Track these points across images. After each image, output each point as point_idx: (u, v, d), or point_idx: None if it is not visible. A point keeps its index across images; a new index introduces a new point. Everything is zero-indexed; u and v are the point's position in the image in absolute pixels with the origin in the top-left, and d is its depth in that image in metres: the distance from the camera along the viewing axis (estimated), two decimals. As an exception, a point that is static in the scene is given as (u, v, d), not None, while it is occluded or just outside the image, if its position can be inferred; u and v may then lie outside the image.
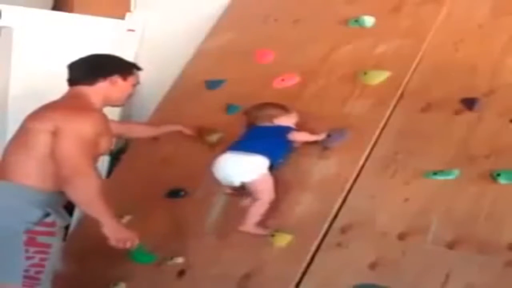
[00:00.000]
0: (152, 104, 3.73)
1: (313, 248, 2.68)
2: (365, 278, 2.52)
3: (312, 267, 2.64)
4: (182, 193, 3.14)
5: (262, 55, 3.49)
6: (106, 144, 2.67)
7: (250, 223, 2.81)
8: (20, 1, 3.54)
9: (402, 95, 3.02)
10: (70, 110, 2.58)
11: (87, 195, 2.49)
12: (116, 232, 2.53)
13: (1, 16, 3.42)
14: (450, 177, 2.65)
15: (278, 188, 2.94)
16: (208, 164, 3.11)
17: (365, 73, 3.13)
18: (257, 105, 3.04)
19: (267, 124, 2.96)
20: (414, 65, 3.09)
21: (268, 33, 3.62)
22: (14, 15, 3.48)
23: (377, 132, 2.92)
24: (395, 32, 3.26)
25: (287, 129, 2.95)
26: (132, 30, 3.97)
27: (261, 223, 2.80)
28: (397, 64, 3.12)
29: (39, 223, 2.52)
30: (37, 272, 2.51)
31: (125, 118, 3.82)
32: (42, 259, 2.52)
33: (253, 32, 3.66)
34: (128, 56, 3.23)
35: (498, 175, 2.55)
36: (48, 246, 2.54)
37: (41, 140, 2.54)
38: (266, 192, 2.83)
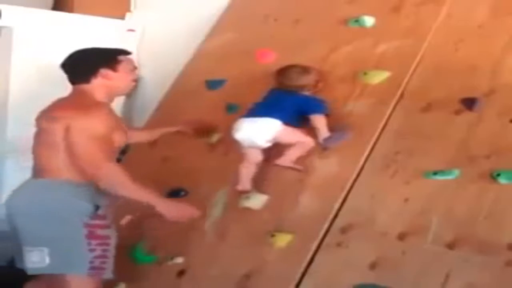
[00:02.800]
0: (152, 104, 3.73)
1: (313, 248, 2.68)
2: (365, 278, 2.52)
3: (312, 267, 2.64)
4: (182, 193, 3.14)
5: (262, 55, 3.49)
6: (119, 138, 2.73)
7: (287, 159, 2.91)
8: (20, 1, 3.54)
9: (402, 95, 3.02)
10: (78, 109, 2.62)
11: (120, 183, 2.58)
12: (169, 209, 2.63)
13: (1, 16, 3.42)
14: (450, 177, 2.65)
15: (278, 188, 2.94)
16: (208, 164, 3.13)
17: (365, 73, 3.13)
18: (296, 69, 3.08)
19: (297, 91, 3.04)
20: (414, 65, 3.09)
21: (268, 33, 3.62)
22: (14, 15, 3.48)
23: (377, 132, 2.92)
24: (395, 32, 3.26)
25: (313, 107, 3.00)
26: (132, 30, 3.97)
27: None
28: (397, 64, 3.12)
29: (93, 216, 2.60)
30: (102, 262, 2.63)
31: (126, 118, 3.82)
32: (104, 250, 2.63)
33: (253, 32, 3.66)
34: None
35: (498, 175, 2.55)
36: (107, 237, 2.65)
37: (59, 139, 2.59)
38: (296, 138, 2.93)
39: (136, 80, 2.86)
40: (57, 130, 2.60)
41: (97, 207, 2.63)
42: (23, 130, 3.28)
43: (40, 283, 2.78)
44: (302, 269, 2.64)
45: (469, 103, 2.83)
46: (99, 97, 2.71)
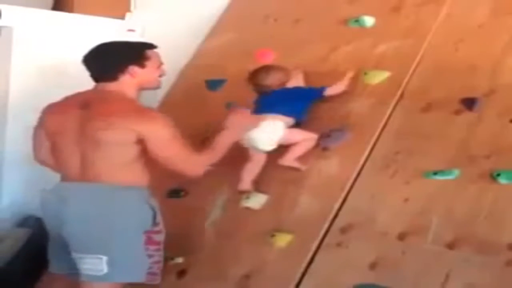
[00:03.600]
0: (152, 104, 3.72)
1: (313, 248, 2.68)
2: (365, 278, 2.52)
3: (312, 267, 2.64)
4: (182, 193, 3.14)
5: (262, 55, 3.49)
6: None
7: (289, 158, 2.93)
8: (20, 1, 3.53)
9: (402, 95, 3.02)
10: (141, 116, 2.54)
11: (209, 162, 2.66)
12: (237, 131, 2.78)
13: (1, 16, 3.42)
14: (450, 177, 2.65)
15: (278, 188, 2.94)
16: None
17: (365, 73, 3.13)
18: (261, 71, 3.11)
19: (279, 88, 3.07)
20: (414, 65, 3.09)
21: (268, 33, 3.63)
22: (14, 15, 3.47)
23: (377, 132, 2.92)
24: (395, 32, 3.26)
25: (314, 92, 3.07)
26: (132, 30, 3.96)
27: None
28: (397, 64, 3.12)
29: (153, 222, 2.59)
30: (158, 268, 2.66)
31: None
32: (160, 256, 2.65)
33: (253, 32, 3.67)
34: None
35: (498, 175, 2.55)
36: (161, 243, 2.66)
37: (125, 151, 2.52)
38: (300, 137, 2.95)
39: (162, 76, 2.75)
40: (119, 136, 2.49)
41: (154, 212, 2.60)
42: (23, 130, 3.29)
43: (56, 282, 2.75)
44: (302, 269, 2.64)
45: (469, 103, 2.83)
46: (131, 95, 2.61)
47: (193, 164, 2.62)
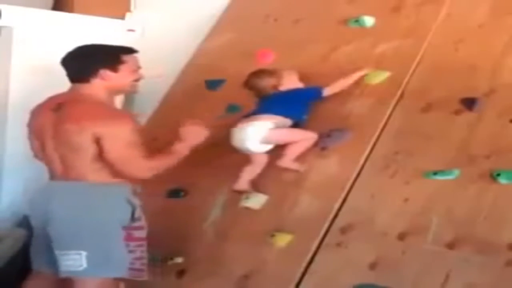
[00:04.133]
0: (152, 104, 3.73)
1: (313, 248, 2.68)
2: (365, 278, 2.52)
3: (312, 267, 2.64)
4: (182, 193, 3.14)
5: (262, 55, 3.49)
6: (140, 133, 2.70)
7: (287, 159, 2.92)
8: (20, 1, 3.53)
9: (402, 95, 3.02)
10: (103, 118, 2.57)
11: (157, 169, 2.65)
12: (194, 141, 2.77)
13: (1, 16, 3.42)
14: (450, 177, 2.65)
15: (278, 188, 2.94)
16: (208, 164, 3.12)
17: (365, 73, 3.13)
18: (254, 75, 3.14)
19: (275, 91, 3.09)
20: (414, 65, 3.09)
21: (268, 33, 3.63)
22: (14, 15, 3.47)
23: (377, 132, 2.92)
24: (395, 32, 3.26)
25: (311, 92, 3.08)
26: (132, 30, 3.97)
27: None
28: (397, 64, 3.12)
29: (132, 218, 2.62)
30: (142, 264, 2.69)
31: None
32: (142, 251, 2.68)
33: (253, 32, 3.66)
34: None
35: (498, 175, 2.55)
36: (143, 239, 2.69)
37: (86, 146, 2.55)
38: (291, 137, 2.96)
39: (138, 81, 2.78)
40: (84, 138, 2.54)
41: (134, 209, 2.63)
42: (23, 130, 3.28)
43: (42, 281, 2.76)
44: (302, 269, 2.64)
45: (469, 103, 2.83)
46: (102, 98, 2.65)
47: (140, 167, 2.60)
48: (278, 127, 2.98)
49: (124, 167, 2.58)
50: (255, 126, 2.95)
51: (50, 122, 2.64)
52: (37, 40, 3.55)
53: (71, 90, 2.71)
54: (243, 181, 2.98)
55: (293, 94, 3.09)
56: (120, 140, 2.55)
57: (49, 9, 3.90)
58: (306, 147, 2.96)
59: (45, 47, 3.56)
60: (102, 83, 2.66)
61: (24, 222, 3.30)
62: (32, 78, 3.44)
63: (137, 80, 2.76)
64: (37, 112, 2.72)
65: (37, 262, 2.73)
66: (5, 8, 3.43)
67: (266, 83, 3.10)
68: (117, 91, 2.76)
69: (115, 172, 2.59)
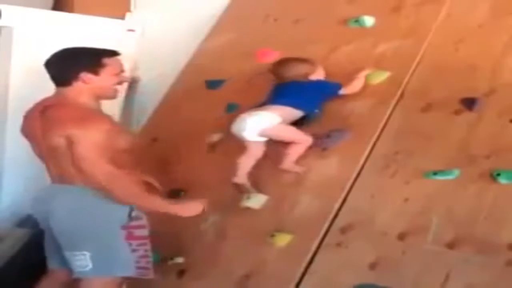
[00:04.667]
0: (152, 104, 3.73)
1: (313, 248, 2.68)
2: (365, 278, 2.52)
3: (312, 267, 2.64)
4: (182, 193, 3.14)
5: (262, 55, 3.49)
6: (124, 141, 2.66)
7: (288, 162, 2.92)
8: (20, 1, 3.53)
9: (402, 95, 3.02)
10: (75, 121, 2.55)
11: (127, 194, 2.57)
12: (184, 212, 2.67)
13: (1, 16, 3.42)
14: (450, 177, 2.65)
15: (278, 188, 2.94)
16: (208, 164, 3.12)
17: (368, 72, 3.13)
18: (285, 62, 3.14)
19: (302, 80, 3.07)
20: (414, 65, 3.09)
21: (268, 33, 3.62)
22: (14, 15, 3.47)
23: (377, 132, 2.92)
24: (395, 32, 3.26)
25: (330, 86, 3.07)
26: (132, 30, 3.97)
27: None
28: (397, 64, 3.12)
29: (130, 218, 2.63)
30: (147, 262, 2.69)
31: (125, 119, 3.82)
32: (146, 250, 2.68)
33: (253, 32, 3.66)
34: (128, 56, 3.22)
35: (498, 175, 2.55)
36: (145, 238, 2.68)
37: (64, 150, 2.56)
38: (291, 136, 2.94)
39: (121, 84, 2.75)
40: (60, 141, 2.55)
41: (131, 209, 2.64)
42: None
43: (55, 280, 2.78)
44: (302, 269, 2.64)
45: (469, 103, 2.83)
46: (83, 101, 2.63)
47: (101, 171, 2.54)
48: (285, 120, 2.96)
49: (88, 169, 2.53)
50: (259, 116, 2.94)
51: (38, 125, 2.65)
52: (37, 40, 3.55)
53: (56, 94, 2.71)
54: (242, 174, 2.98)
55: (310, 85, 3.07)
56: (88, 141, 2.52)
57: (49, 9, 3.90)
58: (303, 150, 2.95)
59: (45, 47, 3.54)
60: (83, 86, 2.64)
61: (25, 222, 3.31)
62: (32, 78, 3.43)
63: (119, 83, 2.75)
64: (28, 116, 2.74)
65: (51, 261, 2.77)
66: (5, 8, 3.43)
67: (299, 71, 3.09)
68: (100, 95, 2.70)
69: (83, 176, 2.56)
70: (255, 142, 2.99)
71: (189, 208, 2.68)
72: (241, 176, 2.98)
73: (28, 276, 2.89)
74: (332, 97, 3.07)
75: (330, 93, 3.07)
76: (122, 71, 2.75)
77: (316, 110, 3.04)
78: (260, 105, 3.05)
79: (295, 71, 3.09)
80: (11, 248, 3.23)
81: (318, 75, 3.13)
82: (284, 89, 3.07)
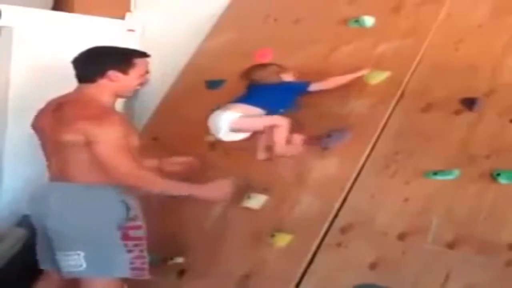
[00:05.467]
0: (152, 104, 3.73)
1: (313, 248, 2.68)
2: (365, 278, 2.52)
3: (312, 267, 2.64)
4: (182, 193, 3.14)
5: (262, 55, 3.49)
6: (133, 141, 2.67)
7: (279, 148, 2.96)
8: (20, 1, 3.53)
9: (402, 95, 3.02)
10: (94, 120, 2.54)
11: (152, 184, 2.62)
12: (208, 194, 2.72)
13: (1, 16, 3.42)
14: (450, 177, 2.65)
15: (278, 188, 2.94)
16: (208, 164, 3.12)
17: (362, 74, 3.13)
18: (257, 66, 3.20)
19: (274, 80, 3.12)
20: (414, 65, 3.09)
21: (268, 33, 3.63)
22: (14, 15, 3.47)
23: (377, 132, 2.92)
24: (395, 32, 3.26)
25: (296, 85, 3.12)
26: (132, 30, 3.97)
27: None
28: (397, 64, 3.12)
29: (127, 218, 2.62)
30: (142, 263, 2.66)
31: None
32: (141, 251, 2.66)
33: (253, 32, 3.66)
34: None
35: (498, 175, 2.55)
36: (141, 238, 2.67)
37: (79, 148, 2.55)
38: (257, 124, 3.01)
39: (143, 85, 2.77)
40: (76, 141, 2.54)
41: (128, 209, 2.64)
42: (23, 130, 3.28)
43: (52, 281, 2.78)
44: (302, 269, 2.64)
45: (469, 103, 2.83)
46: (102, 99, 2.63)
47: (126, 171, 2.56)
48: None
49: (111, 166, 2.55)
50: (222, 116, 3.00)
51: (48, 122, 2.65)
52: (37, 40, 3.55)
53: (74, 91, 2.70)
54: (261, 149, 3.05)
55: (278, 86, 3.11)
56: (109, 140, 2.53)
57: (49, 9, 3.90)
58: (287, 130, 2.98)
59: (45, 47, 3.56)
60: (108, 84, 2.64)
61: (24, 222, 3.31)
62: (32, 78, 3.44)
63: (142, 84, 2.76)
64: (40, 113, 2.74)
65: (44, 262, 2.76)
66: (5, 8, 3.43)
67: (269, 71, 3.14)
68: (121, 94, 2.72)
69: (106, 174, 2.58)
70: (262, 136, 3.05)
71: (218, 189, 2.73)
72: (262, 152, 3.06)
73: (28, 276, 2.89)
74: (303, 94, 3.10)
75: (298, 91, 3.10)
76: (147, 72, 2.75)
77: (281, 110, 3.05)
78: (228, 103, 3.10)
79: (267, 72, 3.14)
80: (11, 248, 3.22)
81: (288, 77, 3.16)
82: (252, 90, 3.13)
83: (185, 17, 3.91)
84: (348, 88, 3.11)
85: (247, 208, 2.93)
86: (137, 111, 3.92)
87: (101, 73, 2.63)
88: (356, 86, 3.11)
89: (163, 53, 3.85)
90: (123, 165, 2.55)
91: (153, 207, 2.93)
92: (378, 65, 3.15)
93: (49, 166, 2.72)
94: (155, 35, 3.94)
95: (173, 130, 3.42)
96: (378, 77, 3.10)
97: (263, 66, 3.21)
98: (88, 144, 2.53)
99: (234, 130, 3.02)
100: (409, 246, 2.53)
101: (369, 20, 3.36)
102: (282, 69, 3.17)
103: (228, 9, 3.89)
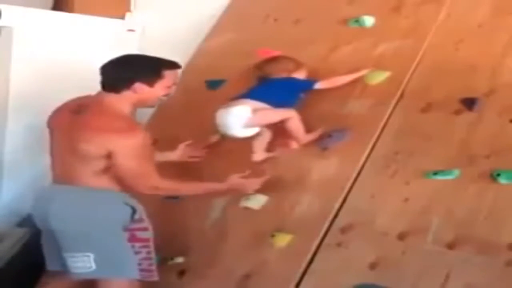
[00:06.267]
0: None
1: (313, 248, 2.68)
2: (365, 278, 2.52)
3: (312, 267, 2.64)
4: (182, 193, 3.14)
5: (262, 55, 3.48)
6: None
7: (301, 136, 2.96)
8: (20, 1, 3.53)
9: (402, 95, 3.02)
10: (117, 132, 2.54)
11: (177, 191, 2.79)
12: (236, 186, 2.81)
13: (1, 16, 3.42)
14: (450, 177, 2.65)
15: (278, 188, 2.94)
16: (208, 164, 3.12)
17: (363, 74, 3.13)
18: (271, 58, 3.20)
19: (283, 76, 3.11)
20: (414, 65, 3.09)
21: (268, 33, 3.62)
22: (14, 15, 3.47)
23: (377, 132, 2.92)
24: (395, 32, 3.26)
25: (302, 82, 3.11)
26: (132, 30, 3.96)
27: None
28: (397, 64, 3.12)
29: (132, 220, 2.63)
30: (149, 265, 2.69)
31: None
32: (148, 252, 2.68)
33: (253, 32, 3.66)
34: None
35: (498, 175, 2.55)
36: (147, 240, 2.69)
37: (95, 157, 2.56)
38: (272, 118, 2.98)
39: (167, 96, 2.73)
40: (93, 150, 2.54)
41: (134, 211, 2.64)
42: (23, 130, 3.28)
43: (62, 283, 2.78)
44: (302, 269, 2.64)
45: (469, 103, 2.83)
46: (125, 110, 2.61)
47: (148, 184, 2.60)
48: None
49: (133, 181, 2.59)
50: (233, 113, 2.97)
51: (65, 123, 2.63)
52: (37, 40, 3.55)
53: (96, 96, 2.68)
54: (258, 151, 3.04)
55: (283, 82, 3.10)
56: (127, 152, 2.54)
57: (49, 9, 3.90)
58: (299, 121, 2.97)
59: (45, 47, 3.56)
60: (131, 96, 2.62)
61: (25, 222, 3.30)
62: (32, 78, 3.44)
63: (166, 95, 2.72)
64: (56, 112, 2.72)
65: (51, 263, 2.74)
66: (5, 8, 3.43)
67: (279, 67, 3.13)
68: (142, 104, 2.70)
69: (121, 185, 2.61)
70: (259, 139, 3.03)
71: (248, 184, 2.82)
72: (260, 154, 3.05)
73: (28, 276, 2.89)
74: (308, 91, 3.10)
75: (303, 88, 3.10)
76: (174, 83, 2.72)
77: (286, 106, 3.04)
78: (232, 98, 3.08)
79: (280, 66, 3.14)
80: (11, 248, 3.22)
81: (300, 74, 3.16)
82: (259, 85, 3.13)
83: (185, 17, 3.91)
84: (348, 88, 3.11)
85: (247, 208, 2.93)
86: (137, 111, 3.91)
87: (127, 85, 2.60)
88: (356, 86, 3.11)
89: (163, 53, 3.85)
90: (150, 177, 2.59)
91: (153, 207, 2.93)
92: (378, 65, 3.15)
93: (53, 166, 2.71)
94: (155, 35, 3.94)
95: (173, 131, 3.41)
96: (378, 77, 3.10)
97: (276, 59, 3.20)
98: (109, 156, 2.53)
99: (248, 125, 2.99)
100: (409, 246, 2.53)
101: (369, 20, 3.36)
102: (298, 64, 3.15)
103: (228, 9, 3.89)
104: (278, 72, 3.13)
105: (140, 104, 2.67)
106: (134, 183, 2.59)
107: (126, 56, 2.71)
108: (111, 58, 2.67)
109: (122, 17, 4.02)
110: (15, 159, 3.46)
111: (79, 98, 2.70)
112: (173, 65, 2.70)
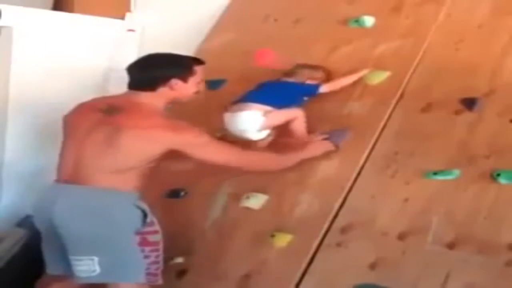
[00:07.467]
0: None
1: (313, 248, 2.68)
2: (365, 278, 2.52)
3: (312, 267, 2.64)
4: (182, 193, 3.14)
5: (262, 55, 3.48)
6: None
7: (305, 138, 2.95)
8: (20, 1, 3.53)
9: (402, 95, 3.02)
10: (174, 130, 2.58)
11: (267, 166, 2.82)
12: (314, 153, 2.86)
13: (1, 16, 3.42)
14: (450, 177, 2.65)
15: (278, 188, 2.94)
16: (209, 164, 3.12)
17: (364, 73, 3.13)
18: (311, 65, 3.20)
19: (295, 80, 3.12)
20: (414, 65, 3.09)
21: (268, 33, 3.63)
22: (14, 15, 3.48)
23: (377, 132, 2.92)
24: (395, 32, 3.26)
25: (307, 87, 3.10)
26: (132, 30, 3.96)
27: None
28: (397, 64, 3.12)
29: (144, 223, 2.60)
30: (157, 269, 2.68)
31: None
32: (157, 256, 2.68)
33: (253, 32, 3.67)
34: (129, 56, 3.22)
35: (498, 175, 2.55)
36: (157, 243, 2.68)
37: (139, 160, 2.56)
38: (285, 117, 2.98)
39: (198, 93, 2.76)
40: (150, 149, 2.54)
41: (145, 214, 2.61)
42: (23, 130, 3.28)
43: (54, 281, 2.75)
44: (302, 269, 2.64)
45: (469, 103, 2.83)
46: (158, 106, 2.62)
47: (237, 159, 2.69)
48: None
49: (233, 164, 2.69)
50: (245, 117, 2.95)
51: (93, 121, 2.58)
52: (37, 40, 3.55)
53: (126, 96, 2.66)
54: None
55: (288, 85, 3.10)
56: (199, 143, 2.61)
57: (49, 9, 3.90)
58: (304, 120, 2.98)
59: (45, 47, 3.56)
60: (168, 92, 2.64)
61: (25, 222, 3.31)
62: (32, 78, 3.44)
63: (197, 92, 2.75)
64: (81, 107, 2.68)
65: (52, 266, 2.68)
66: (5, 8, 3.43)
67: (317, 75, 3.15)
68: (176, 101, 2.71)
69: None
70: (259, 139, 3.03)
71: (320, 146, 2.85)
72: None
73: (28, 276, 2.89)
74: (313, 96, 3.08)
75: (308, 93, 3.09)
76: (202, 80, 2.76)
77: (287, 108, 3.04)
78: (237, 101, 3.06)
79: (308, 73, 3.14)
80: (11, 248, 3.22)
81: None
82: (264, 87, 3.10)
83: (185, 17, 3.91)
84: (348, 88, 3.11)
85: (247, 208, 2.93)
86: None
87: (164, 81, 2.61)
88: (356, 86, 3.12)
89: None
90: (231, 154, 2.66)
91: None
92: (378, 65, 3.15)
93: (64, 164, 2.63)
94: (155, 35, 3.94)
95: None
96: (378, 77, 3.10)
97: (315, 68, 3.18)
98: (164, 154, 2.54)
99: (262, 128, 2.98)
100: (409, 246, 2.53)
101: (369, 20, 3.36)
102: (327, 78, 3.14)
103: (228, 9, 3.89)
104: (306, 78, 3.12)
105: (174, 100, 2.70)
106: (225, 165, 2.66)
107: (154, 54, 2.71)
108: (137, 58, 2.68)
109: (122, 17, 4.02)
110: (15, 159, 3.46)
111: (105, 98, 2.68)
112: (200, 61, 2.76)
